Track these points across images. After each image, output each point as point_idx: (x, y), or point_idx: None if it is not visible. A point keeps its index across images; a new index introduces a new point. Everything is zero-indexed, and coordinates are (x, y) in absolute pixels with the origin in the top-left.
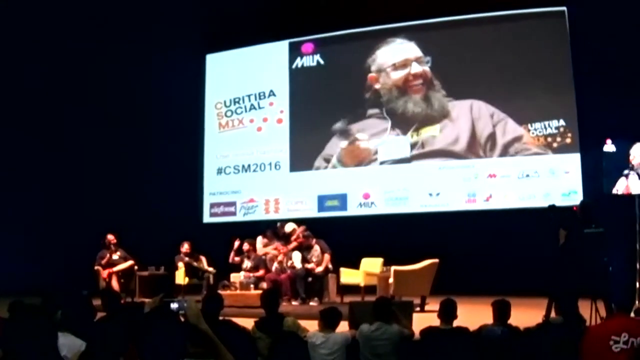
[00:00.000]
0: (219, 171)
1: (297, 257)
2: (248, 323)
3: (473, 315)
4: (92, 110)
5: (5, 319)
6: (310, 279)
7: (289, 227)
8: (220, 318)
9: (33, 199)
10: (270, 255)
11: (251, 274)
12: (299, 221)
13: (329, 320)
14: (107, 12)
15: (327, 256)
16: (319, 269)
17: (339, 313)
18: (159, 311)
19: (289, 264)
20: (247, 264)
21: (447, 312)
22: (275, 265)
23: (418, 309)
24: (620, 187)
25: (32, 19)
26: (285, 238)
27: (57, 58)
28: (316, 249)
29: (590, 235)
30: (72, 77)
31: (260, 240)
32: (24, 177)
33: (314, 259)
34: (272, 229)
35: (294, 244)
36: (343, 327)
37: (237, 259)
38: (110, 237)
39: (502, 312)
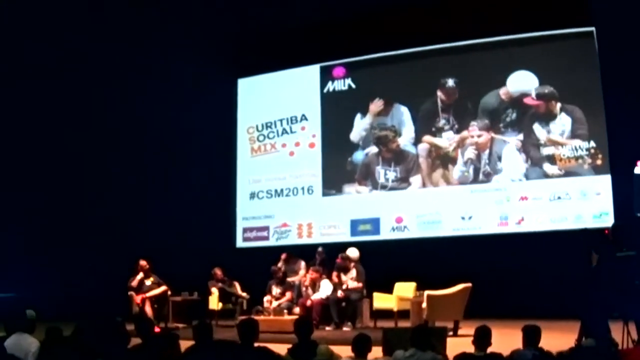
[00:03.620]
0: (252, 196)
1: (326, 285)
2: (281, 349)
3: (506, 339)
4: (126, 136)
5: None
6: (343, 303)
7: (354, 253)
8: (256, 345)
9: (68, 225)
10: (302, 281)
11: (279, 300)
12: (332, 246)
13: (358, 347)
14: (139, 37)
15: (359, 284)
16: (351, 287)
17: (369, 339)
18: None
19: (314, 293)
20: (275, 290)
21: (482, 340)
22: (307, 290)
23: (451, 333)
24: None
25: (68, 42)
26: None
27: (92, 81)
28: (352, 273)
29: (622, 258)
30: (107, 103)
31: (281, 264)
32: (61, 203)
33: (349, 283)
34: (292, 253)
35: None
36: (377, 353)
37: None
38: (142, 262)
39: (531, 337)
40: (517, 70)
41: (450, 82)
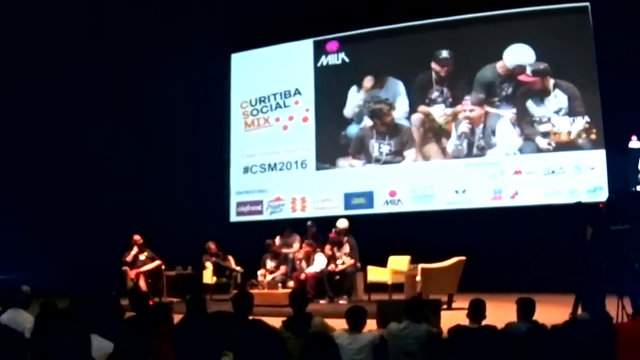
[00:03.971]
0: (246, 170)
1: (320, 259)
2: (276, 322)
3: (500, 312)
4: (118, 111)
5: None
6: (337, 277)
7: (343, 224)
8: (251, 318)
9: (61, 200)
10: (296, 255)
11: (273, 274)
12: (325, 219)
13: (353, 320)
14: (132, 12)
15: (352, 260)
16: (341, 267)
17: (364, 311)
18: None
19: (307, 267)
20: (270, 263)
21: (477, 312)
22: (301, 264)
23: (445, 306)
24: None
25: (59, 20)
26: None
27: (85, 58)
28: (346, 248)
29: (617, 232)
30: (98, 77)
31: (277, 240)
32: (52, 179)
33: (344, 259)
34: (289, 227)
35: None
36: (371, 325)
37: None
38: (136, 237)
39: (525, 309)
40: (513, 44)
41: (445, 54)
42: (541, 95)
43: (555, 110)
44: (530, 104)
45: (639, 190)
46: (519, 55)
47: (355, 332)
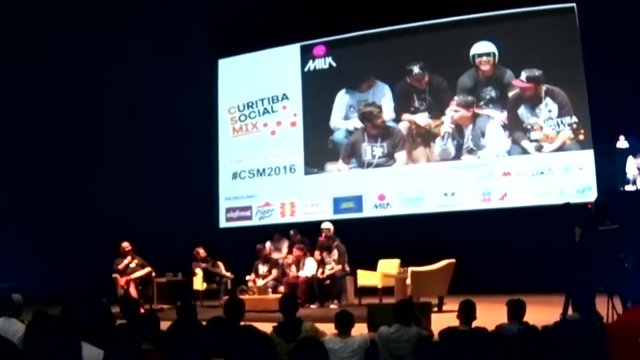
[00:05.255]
0: (234, 176)
1: (310, 264)
2: (267, 327)
3: (491, 314)
4: (106, 117)
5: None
6: (327, 281)
7: (327, 225)
8: (242, 324)
9: (50, 207)
10: (286, 260)
11: (266, 279)
12: (315, 224)
13: (342, 324)
14: (119, 18)
15: (339, 266)
16: (329, 272)
17: (351, 316)
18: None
19: (298, 272)
20: (262, 269)
21: (467, 314)
22: (290, 268)
23: (436, 309)
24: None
25: (45, 25)
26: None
27: (71, 63)
28: (335, 254)
29: (606, 232)
30: (86, 83)
31: (268, 245)
32: (42, 186)
33: (332, 262)
34: (278, 232)
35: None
36: (362, 329)
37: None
38: (124, 244)
39: (515, 311)
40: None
41: (417, 69)
42: (533, 102)
43: (545, 119)
44: (522, 111)
45: (627, 190)
46: (484, 48)
47: (345, 335)
